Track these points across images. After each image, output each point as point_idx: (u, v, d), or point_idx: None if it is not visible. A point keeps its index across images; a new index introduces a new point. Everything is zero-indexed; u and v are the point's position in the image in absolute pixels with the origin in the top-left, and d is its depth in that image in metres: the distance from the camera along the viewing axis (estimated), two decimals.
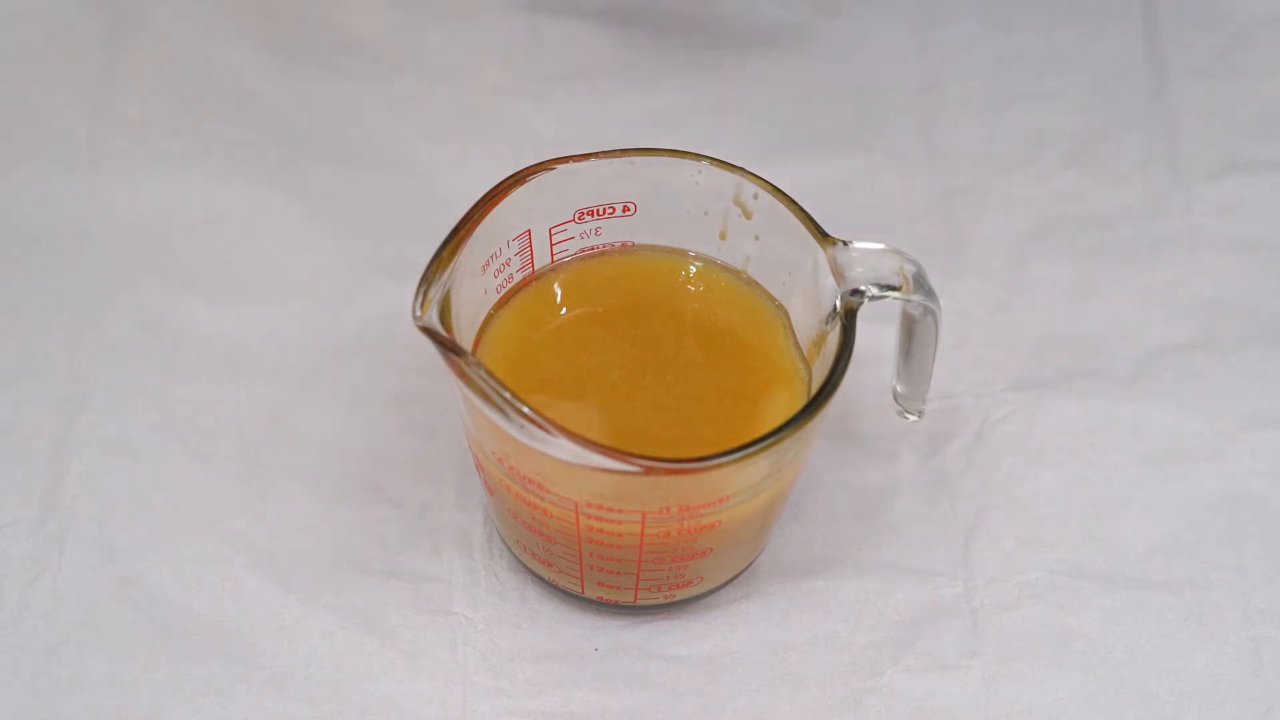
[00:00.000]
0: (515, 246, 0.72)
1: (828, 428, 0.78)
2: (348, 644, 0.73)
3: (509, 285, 0.73)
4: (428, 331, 0.64)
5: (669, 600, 0.73)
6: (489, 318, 0.72)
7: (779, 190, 0.70)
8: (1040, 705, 0.72)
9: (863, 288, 0.68)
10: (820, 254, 0.69)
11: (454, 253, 0.66)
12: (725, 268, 0.74)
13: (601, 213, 0.73)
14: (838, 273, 0.68)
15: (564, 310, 0.73)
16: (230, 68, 0.92)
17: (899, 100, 0.90)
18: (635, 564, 0.69)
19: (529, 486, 0.67)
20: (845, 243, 0.69)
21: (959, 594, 0.75)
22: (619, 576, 0.70)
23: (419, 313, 0.64)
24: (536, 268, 0.73)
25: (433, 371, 0.78)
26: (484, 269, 0.71)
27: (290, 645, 0.73)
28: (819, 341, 0.70)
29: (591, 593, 0.72)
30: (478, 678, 0.72)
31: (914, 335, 0.71)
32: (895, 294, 0.67)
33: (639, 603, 0.73)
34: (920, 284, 0.69)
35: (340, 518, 0.76)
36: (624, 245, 0.74)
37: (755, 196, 0.71)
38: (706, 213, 0.73)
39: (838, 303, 0.68)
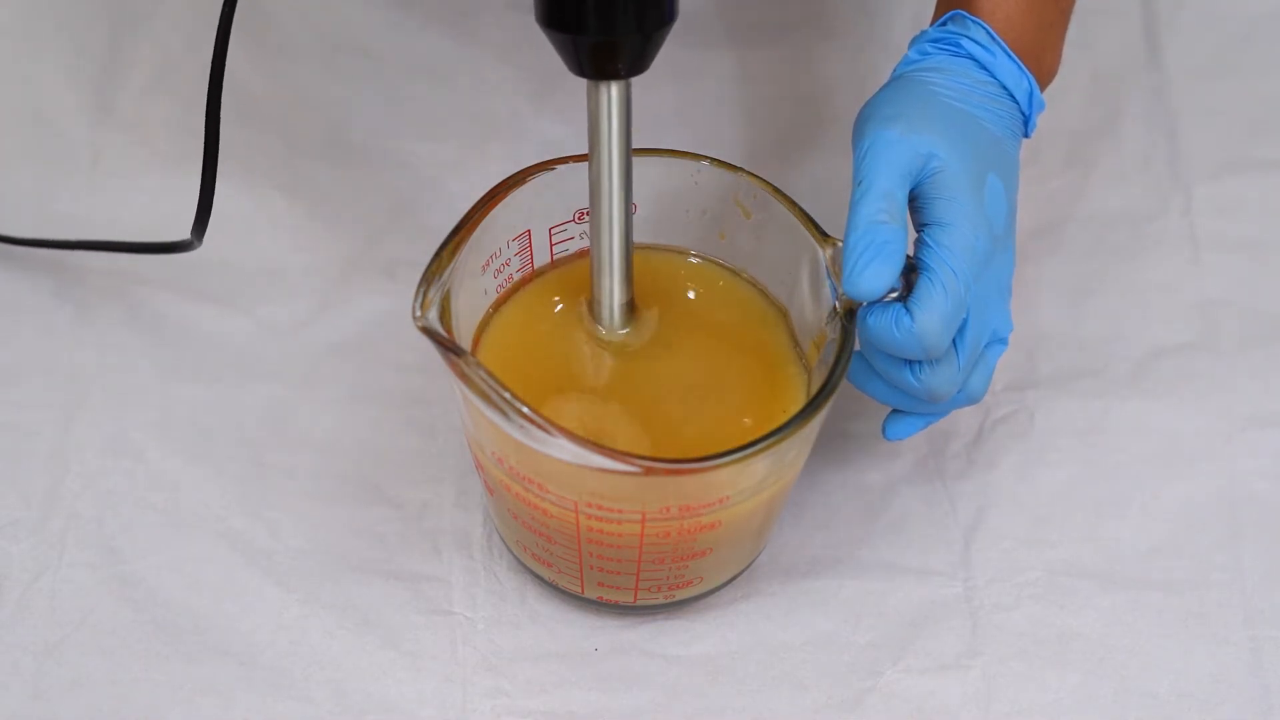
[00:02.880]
0: (515, 246, 0.72)
1: (828, 428, 0.78)
2: (348, 644, 0.73)
3: (509, 285, 0.73)
4: (428, 331, 0.64)
5: (669, 600, 0.73)
6: (488, 318, 0.72)
7: (779, 190, 0.70)
8: (1040, 705, 0.72)
9: None
10: (820, 254, 0.69)
11: (454, 253, 0.66)
12: (725, 268, 0.74)
13: None
14: (837, 273, 0.68)
15: (563, 310, 0.73)
16: (230, 68, 0.91)
17: None
18: (635, 564, 0.69)
19: (529, 486, 0.67)
20: None
21: (959, 594, 0.75)
22: (619, 577, 0.70)
23: (419, 313, 0.64)
24: (536, 267, 0.73)
25: (433, 371, 0.78)
26: (484, 269, 0.71)
27: (290, 645, 0.73)
28: (819, 341, 0.70)
29: (591, 593, 0.72)
30: (478, 678, 0.72)
31: None
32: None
33: (639, 603, 0.72)
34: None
35: (340, 518, 0.76)
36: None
37: (755, 196, 0.71)
38: (706, 213, 0.73)
39: (837, 303, 0.68)
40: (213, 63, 0.72)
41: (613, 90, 0.64)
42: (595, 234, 0.68)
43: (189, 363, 0.81)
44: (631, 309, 0.70)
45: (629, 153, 0.66)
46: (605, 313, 0.70)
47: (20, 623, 0.73)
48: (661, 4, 0.63)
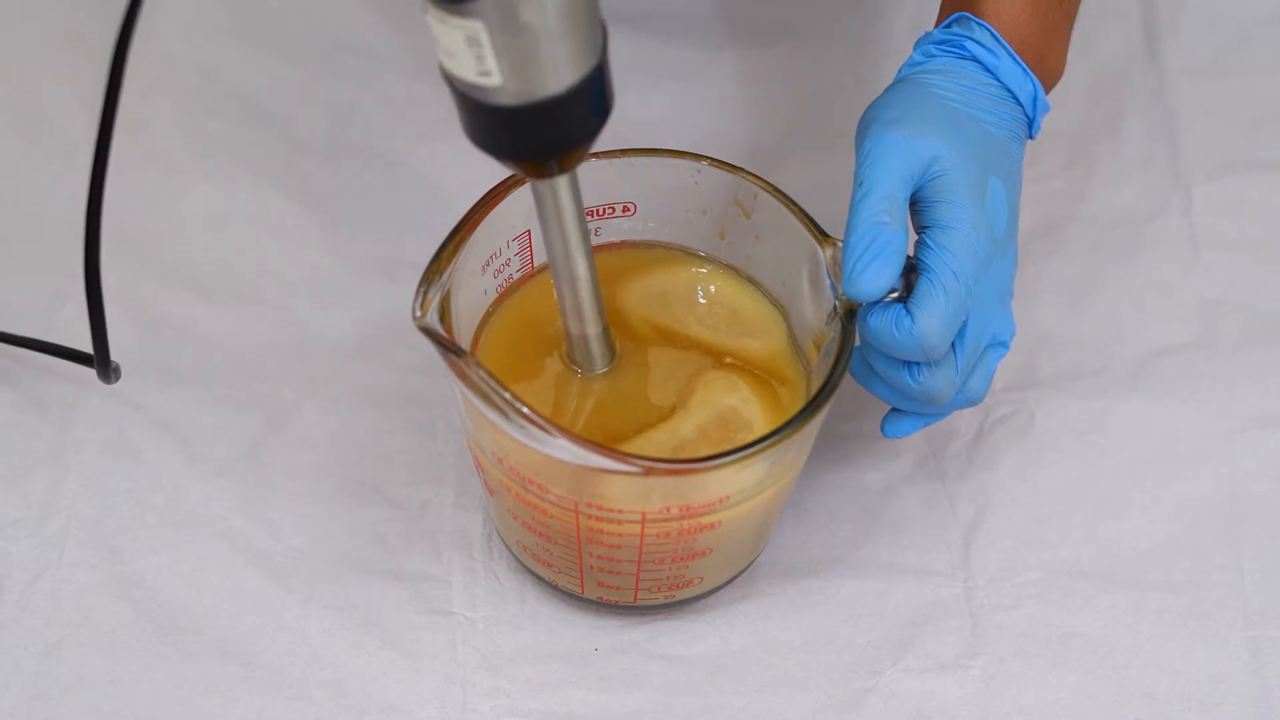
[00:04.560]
0: (515, 247, 0.72)
1: (828, 428, 0.78)
2: (348, 644, 0.73)
3: (509, 285, 0.73)
4: (428, 331, 0.64)
5: (669, 600, 0.73)
6: (488, 317, 0.72)
7: (779, 190, 0.70)
8: (1040, 705, 0.72)
9: None
10: (820, 254, 0.69)
11: (454, 253, 0.66)
12: (725, 268, 0.74)
13: (601, 213, 0.73)
14: (838, 273, 0.68)
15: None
16: (230, 68, 0.92)
17: None
18: (635, 564, 0.69)
19: (529, 487, 0.67)
20: None
21: (959, 594, 0.75)
22: (619, 577, 0.70)
23: (419, 313, 0.64)
24: (536, 267, 0.73)
25: (433, 371, 0.78)
26: (484, 269, 0.71)
27: (290, 645, 0.73)
28: (819, 341, 0.70)
29: (591, 593, 0.72)
30: (478, 678, 0.72)
31: None
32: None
33: (639, 603, 0.72)
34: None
35: (340, 518, 0.76)
36: (624, 244, 0.74)
37: (755, 196, 0.71)
38: (706, 213, 0.73)
39: (837, 303, 0.68)
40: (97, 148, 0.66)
41: (560, 182, 0.63)
42: (558, 282, 0.66)
43: (189, 363, 0.81)
44: (611, 349, 0.70)
45: (583, 222, 0.64)
46: (580, 352, 0.69)
47: (20, 623, 0.73)
48: (605, 100, 0.60)
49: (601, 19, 0.58)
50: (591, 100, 0.59)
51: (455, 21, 0.55)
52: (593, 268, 0.65)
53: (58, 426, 0.78)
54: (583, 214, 0.64)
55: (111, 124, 0.64)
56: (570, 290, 0.66)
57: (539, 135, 0.59)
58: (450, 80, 0.58)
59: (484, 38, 0.55)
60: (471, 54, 0.56)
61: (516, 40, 0.55)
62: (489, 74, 0.56)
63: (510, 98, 0.57)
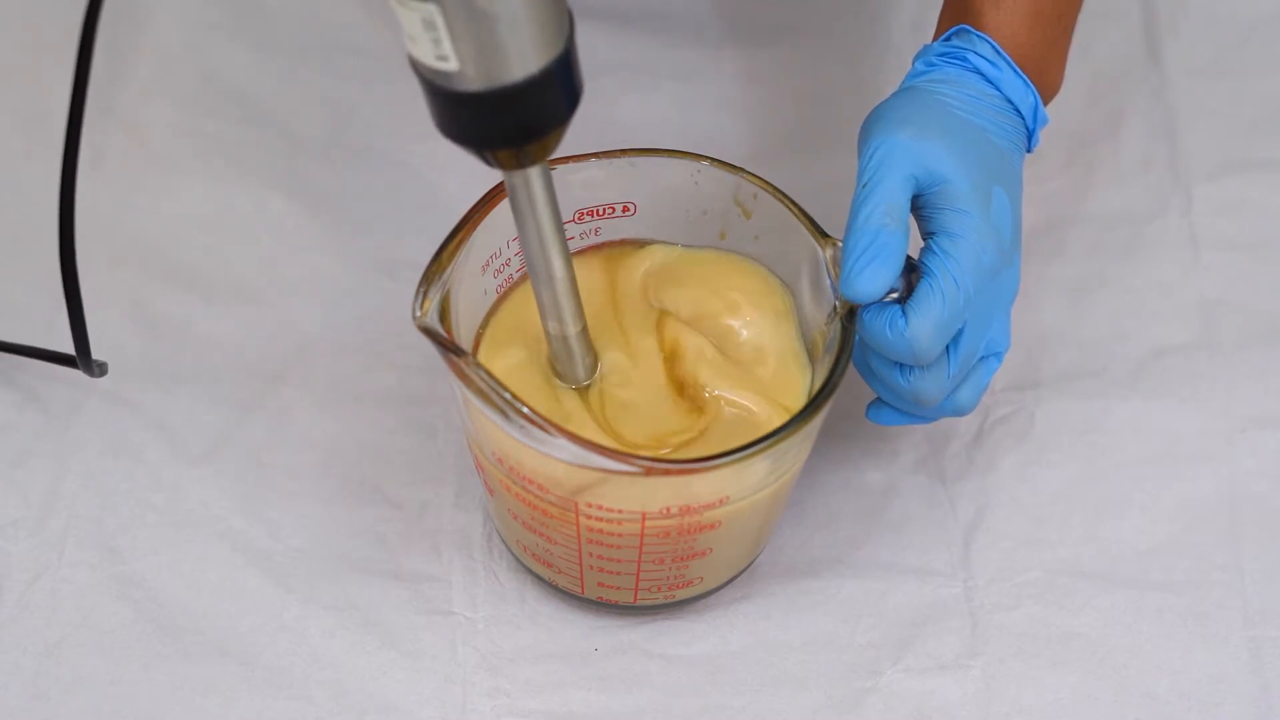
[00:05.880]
0: (515, 247, 0.72)
1: (828, 427, 0.78)
2: (348, 644, 0.73)
3: (509, 285, 0.73)
4: (428, 331, 0.64)
5: (669, 600, 0.73)
6: (488, 318, 0.72)
7: (779, 190, 0.70)
8: (1040, 705, 0.72)
9: None
10: (820, 254, 0.69)
11: (454, 253, 0.66)
12: (728, 266, 0.74)
13: (601, 213, 0.73)
14: (837, 273, 0.68)
15: None
16: (230, 68, 0.92)
17: None
18: (635, 564, 0.69)
19: (529, 487, 0.67)
20: None
21: (959, 594, 0.75)
22: (619, 577, 0.70)
23: (419, 313, 0.64)
24: None
25: (433, 371, 0.78)
26: (484, 269, 0.70)
27: (290, 645, 0.73)
28: (820, 341, 0.70)
29: (591, 593, 0.72)
30: (478, 678, 0.72)
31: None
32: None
33: (639, 603, 0.72)
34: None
35: (340, 518, 0.76)
36: (624, 244, 0.74)
37: (755, 196, 0.71)
38: (706, 213, 0.73)
39: (837, 303, 0.68)
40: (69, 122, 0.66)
41: (533, 174, 0.62)
42: (535, 281, 0.66)
43: (189, 363, 0.81)
44: (593, 354, 0.69)
45: (558, 217, 0.64)
46: (562, 356, 0.68)
47: (20, 623, 0.73)
48: (573, 88, 0.59)
49: (569, 8, 0.58)
50: (556, 89, 0.58)
51: (412, 4, 0.55)
52: (569, 263, 0.65)
53: (58, 427, 0.78)
54: (557, 208, 0.63)
55: (83, 101, 0.65)
56: (548, 287, 0.65)
57: (502, 123, 0.59)
58: (414, 66, 0.59)
59: (440, 21, 0.55)
60: (429, 38, 0.56)
61: (473, 25, 0.56)
62: (446, 58, 0.57)
63: (469, 83, 0.57)
